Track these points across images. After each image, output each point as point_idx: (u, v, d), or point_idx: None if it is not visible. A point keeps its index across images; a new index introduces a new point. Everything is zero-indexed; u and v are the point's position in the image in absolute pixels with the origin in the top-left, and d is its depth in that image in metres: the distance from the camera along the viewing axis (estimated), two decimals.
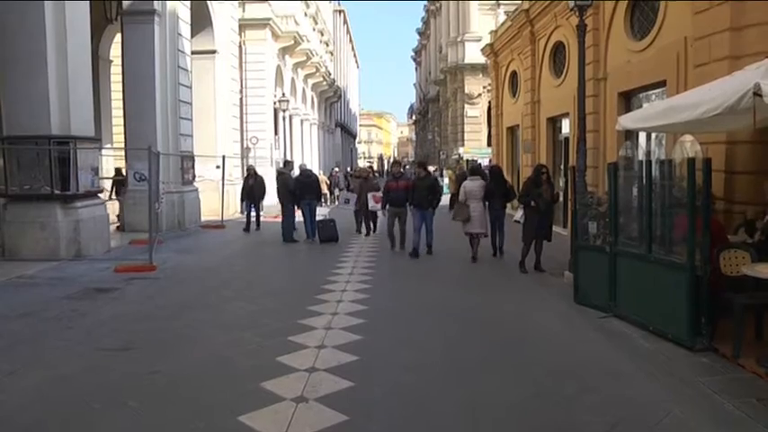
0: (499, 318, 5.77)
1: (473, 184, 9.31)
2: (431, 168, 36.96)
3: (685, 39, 7.52)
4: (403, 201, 9.61)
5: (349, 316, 5.74)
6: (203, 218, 14.72)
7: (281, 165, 15.09)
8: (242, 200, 13.75)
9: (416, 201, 9.36)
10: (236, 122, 19.88)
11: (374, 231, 12.09)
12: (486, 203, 9.15)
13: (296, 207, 11.76)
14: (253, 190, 13.17)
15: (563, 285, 7.11)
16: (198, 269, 8.56)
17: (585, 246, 6.26)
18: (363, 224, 12.15)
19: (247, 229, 12.98)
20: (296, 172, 13.08)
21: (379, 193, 10.96)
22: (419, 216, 9.36)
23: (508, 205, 9.56)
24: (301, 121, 31.09)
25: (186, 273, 8.26)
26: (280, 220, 12.31)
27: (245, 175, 13.72)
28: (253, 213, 13.37)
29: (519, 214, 8.28)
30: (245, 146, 21.17)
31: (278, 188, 12.07)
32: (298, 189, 11.43)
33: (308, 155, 32.64)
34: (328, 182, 22.06)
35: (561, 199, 11.43)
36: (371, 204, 11.34)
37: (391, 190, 9.73)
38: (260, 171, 22.82)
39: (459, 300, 6.53)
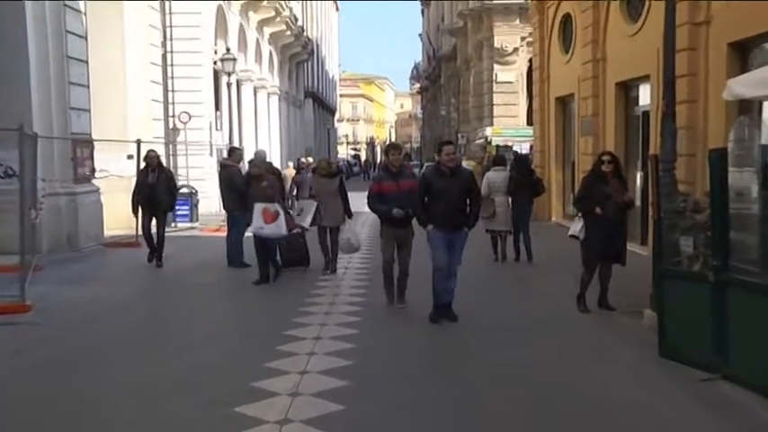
0: (551, 381, 5.72)
1: (497, 176, 11.24)
2: None
3: None
4: (405, 215, 7.97)
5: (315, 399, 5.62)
6: (107, 232, 14.68)
7: (225, 154, 14.86)
8: (134, 209, 11.87)
9: (439, 214, 7.56)
10: (158, 92, 19.89)
11: (332, 268, 10.91)
12: (509, 198, 10.33)
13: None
14: (154, 193, 11.63)
15: (641, 330, 7.16)
16: (95, 308, 8.61)
17: (675, 272, 6.25)
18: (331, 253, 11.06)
19: (151, 257, 11.82)
20: (247, 164, 13.08)
21: (272, 207, 9.90)
22: (443, 242, 7.60)
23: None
24: (255, 89, 31.20)
25: (77, 314, 8.28)
26: (224, 234, 12.37)
27: (142, 166, 12.15)
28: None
29: (577, 226, 8.28)
30: (171, 126, 21.24)
31: (221, 188, 12.00)
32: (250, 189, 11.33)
33: (266, 138, 32.72)
34: (296, 178, 21.96)
35: (638, 203, 11.43)
36: (257, 225, 9.91)
37: (385, 194, 8.06)
38: (195, 162, 23.40)
39: (495, 353, 6.52)
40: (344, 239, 10.02)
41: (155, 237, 11.76)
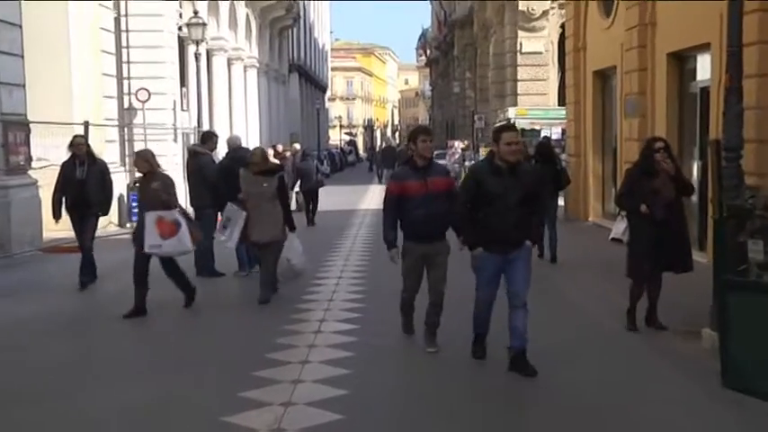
0: (593, 413, 5.72)
1: None
2: (457, 144, 37.77)
3: None
4: (440, 225, 7.31)
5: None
6: (47, 234, 14.65)
7: (194, 140, 14.79)
8: (56, 212, 11.14)
9: (492, 230, 6.72)
10: (111, 63, 19.82)
11: (261, 298, 9.79)
12: None
13: (220, 214, 11.72)
14: (83, 191, 10.94)
15: (700, 355, 7.16)
16: (24, 332, 8.51)
17: (742, 283, 6.26)
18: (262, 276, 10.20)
19: (84, 278, 11.05)
20: (221, 153, 12.90)
21: (168, 216, 8.99)
22: (496, 270, 6.84)
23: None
24: (229, 61, 31.22)
25: (1, 339, 8.23)
26: None
27: (67, 157, 11.33)
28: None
29: (620, 228, 8.29)
30: (126, 105, 21.19)
31: (189, 181, 12.07)
32: (225, 182, 11.31)
33: (242, 121, 32.73)
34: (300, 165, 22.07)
35: (695, 199, 11.37)
36: (152, 242, 8.96)
37: (409, 198, 7.33)
38: (156, 150, 22.68)
39: (518, 384, 6.52)
40: (284, 261, 9.54)
41: (87, 247, 11.05)
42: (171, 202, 9.11)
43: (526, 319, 6.66)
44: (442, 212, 7.19)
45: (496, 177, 6.67)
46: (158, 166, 9.47)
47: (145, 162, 9.20)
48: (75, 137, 11.63)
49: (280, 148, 23.08)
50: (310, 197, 19.94)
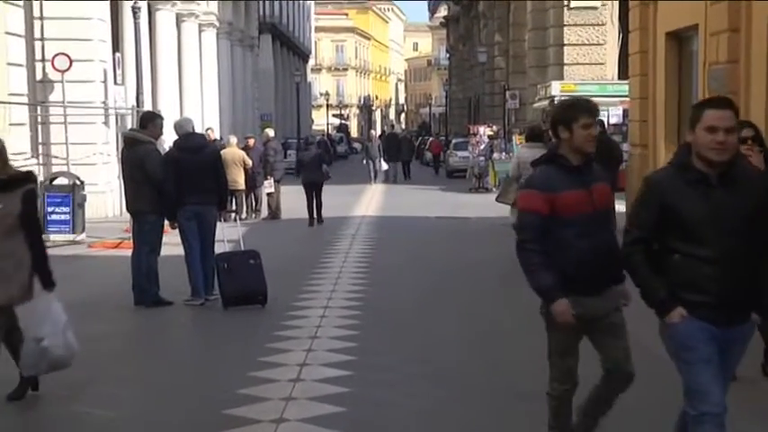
0: None
1: (532, 154, 11.98)
2: (483, 131, 37.35)
3: None
4: (614, 262, 5.85)
5: None
6: None
7: (133, 123, 14.85)
8: None
9: (701, 280, 5.17)
10: (18, 20, 19.89)
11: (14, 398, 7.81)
12: None
13: (168, 222, 12.03)
14: None
15: None
16: None
17: None
18: None
19: None
20: (168, 141, 13.16)
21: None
22: (712, 347, 5.19)
23: None
24: (178, 19, 31.29)
25: None
26: (128, 252, 12.67)
27: None
28: None
29: None
30: (40, 77, 21.36)
31: (125, 178, 12.24)
32: (174, 179, 11.64)
33: (197, 99, 32.84)
34: (248, 162, 22.39)
35: None
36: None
37: (566, 217, 5.95)
38: (81, 136, 22.37)
39: None
40: (30, 343, 7.61)
41: None
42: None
43: None
44: (614, 241, 5.99)
45: (702, 190, 5.21)
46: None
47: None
48: None
49: (252, 142, 23.43)
50: (312, 192, 21.19)
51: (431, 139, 59.91)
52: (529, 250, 5.88)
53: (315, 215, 21.80)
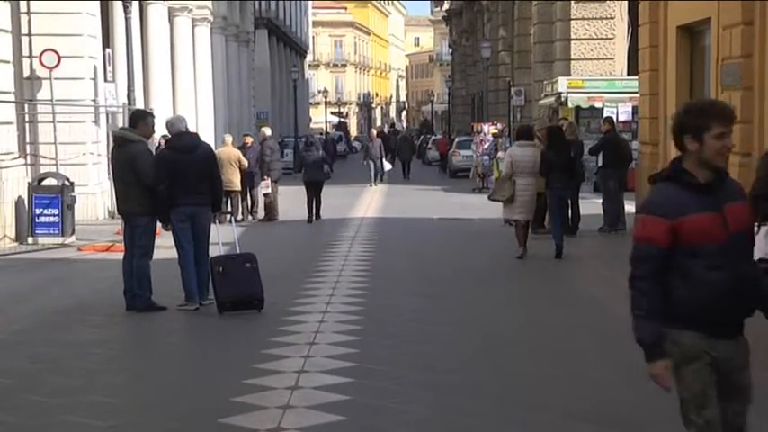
0: None
1: (523, 153, 14.96)
2: (487, 129, 37.18)
3: None
4: (755, 299, 5.23)
5: None
6: None
7: (124, 122, 14.76)
8: None
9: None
10: (4, 13, 19.81)
11: None
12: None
13: (161, 223, 12.01)
14: None
15: None
16: None
17: None
18: None
19: None
20: (160, 141, 13.07)
21: None
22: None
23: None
24: (170, 13, 31.34)
25: None
26: (119, 256, 12.68)
27: None
28: None
29: (763, 244, 8.20)
30: (27, 74, 21.29)
31: (116, 178, 12.21)
32: (166, 180, 11.62)
33: (190, 97, 32.84)
34: (244, 162, 22.49)
35: None
36: None
37: (696, 246, 5.12)
38: (70, 135, 21.77)
39: None
40: None
41: None
42: None
43: None
44: (755, 273, 5.36)
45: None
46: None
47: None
48: None
49: (249, 141, 23.47)
50: (313, 190, 22.67)
51: (433, 137, 60.08)
52: (638, 290, 5.10)
53: (314, 212, 22.92)
